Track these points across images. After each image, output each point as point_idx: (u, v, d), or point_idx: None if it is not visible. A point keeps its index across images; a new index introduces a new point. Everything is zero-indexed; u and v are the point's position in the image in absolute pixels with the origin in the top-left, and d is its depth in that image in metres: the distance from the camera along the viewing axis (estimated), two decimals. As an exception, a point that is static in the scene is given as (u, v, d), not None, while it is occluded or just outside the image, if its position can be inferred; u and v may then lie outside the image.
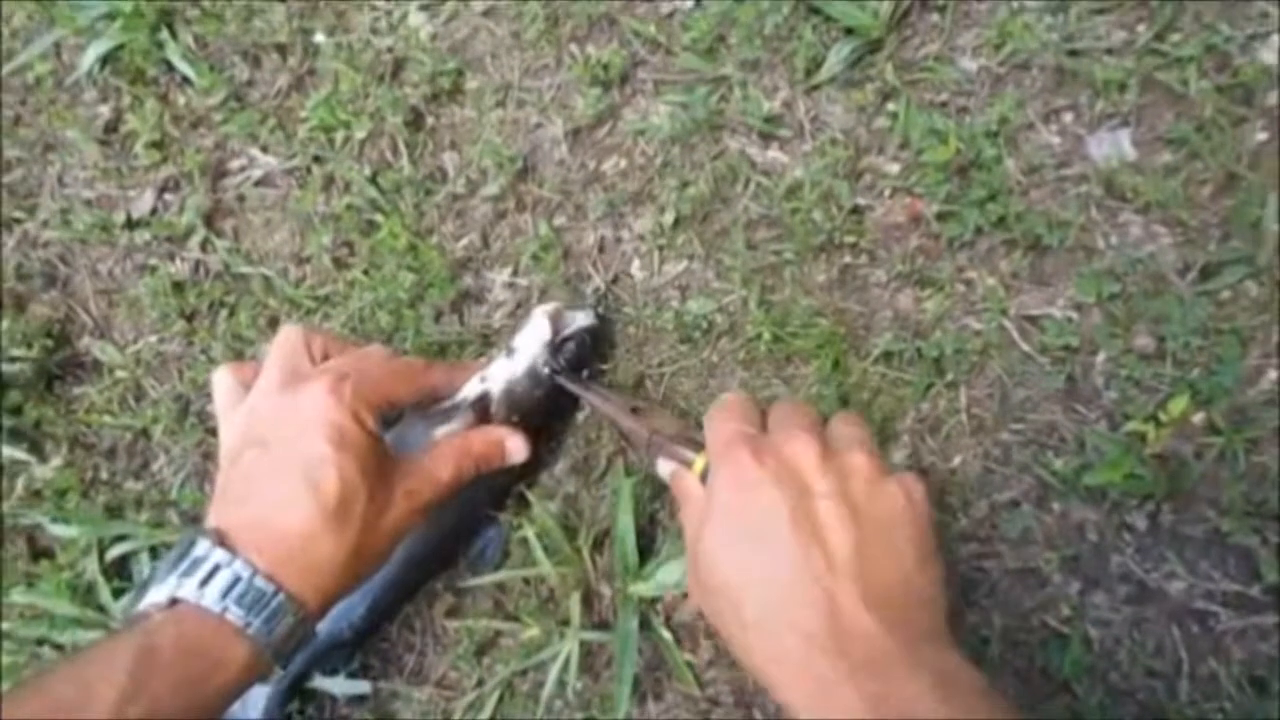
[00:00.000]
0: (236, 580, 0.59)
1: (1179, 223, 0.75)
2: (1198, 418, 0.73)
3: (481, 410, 0.75)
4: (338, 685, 0.82)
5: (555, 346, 0.76)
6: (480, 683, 0.81)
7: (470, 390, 0.75)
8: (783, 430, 0.59)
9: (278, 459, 0.62)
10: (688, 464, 0.65)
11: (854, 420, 0.63)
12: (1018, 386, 0.76)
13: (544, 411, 0.78)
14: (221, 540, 0.60)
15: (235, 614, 0.58)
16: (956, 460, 0.77)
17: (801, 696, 0.50)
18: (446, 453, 0.71)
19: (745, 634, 0.53)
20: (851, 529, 0.54)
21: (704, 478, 0.63)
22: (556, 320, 0.76)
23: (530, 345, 0.76)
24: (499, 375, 0.76)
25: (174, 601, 0.59)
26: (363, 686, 0.82)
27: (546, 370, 0.76)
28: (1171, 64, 0.76)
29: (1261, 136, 0.74)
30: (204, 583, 0.58)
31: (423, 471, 0.69)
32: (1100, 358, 0.75)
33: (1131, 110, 0.77)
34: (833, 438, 0.60)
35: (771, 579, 0.53)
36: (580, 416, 0.82)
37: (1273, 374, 0.73)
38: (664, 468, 0.68)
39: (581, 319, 0.77)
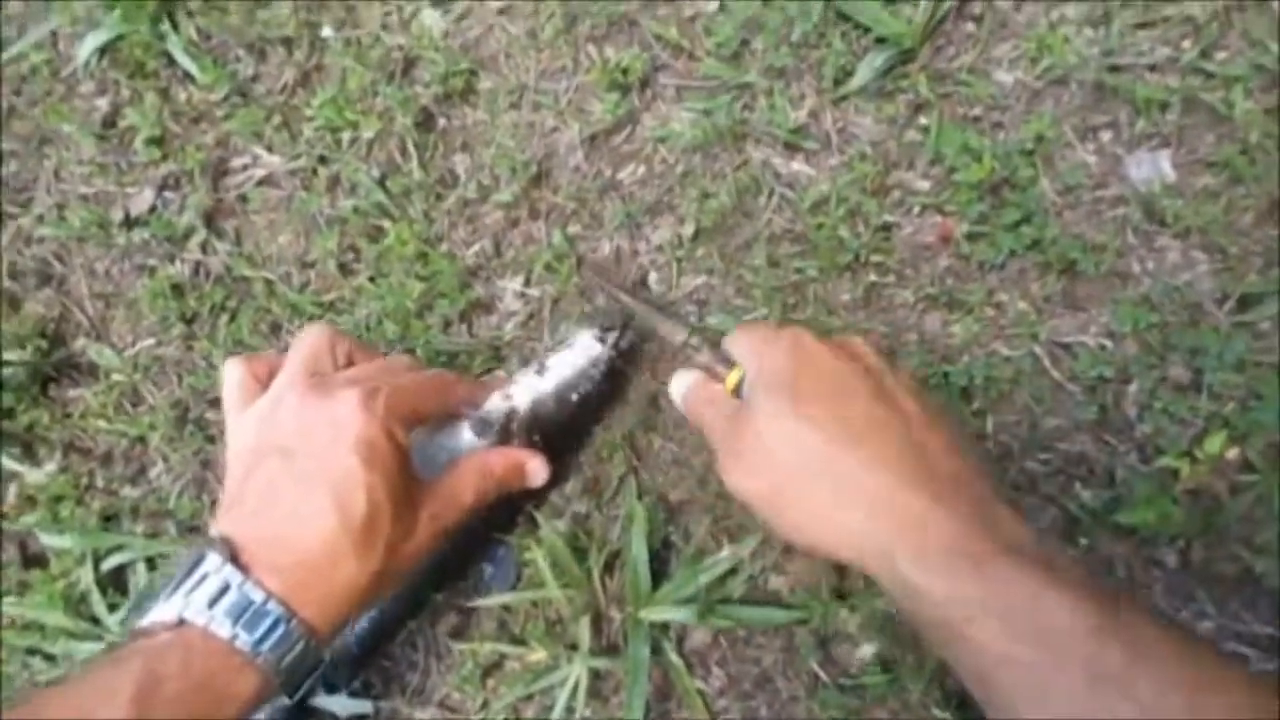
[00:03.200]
0: (248, 604, 0.56)
1: (1219, 250, 0.73)
2: (1233, 454, 0.70)
3: (505, 429, 0.72)
4: (338, 704, 0.80)
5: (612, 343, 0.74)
6: (485, 705, 0.79)
7: (495, 407, 0.72)
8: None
9: (302, 471, 0.59)
10: (719, 377, 0.63)
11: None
12: (1047, 415, 0.74)
13: (565, 433, 0.76)
14: (234, 555, 0.57)
15: (244, 640, 0.55)
16: (982, 490, 0.74)
17: (885, 526, 0.49)
18: (469, 474, 0.68)
19: (815, 488, 0.52)
20: (918, 400, 0.54)
21: (736, 393, 0.61)
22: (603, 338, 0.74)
23: (567, 366, 0.73)
24: (525, 393, 0.73)
25: (181, 621, 0.56)
26: (364, 706, 0.80)
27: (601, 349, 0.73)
28: (1216, 83, 0.73)
29: (1308, 162, 0.71)
30: (213, 603, 0.56)
31: (447, 494, 0.66)
32: (1133, 388, 0.73)
33: (1172, 131, 0.74)
34: None
35: (847, 430, 0.52)
36: (593, 437, 0.80)
37: (1312, 410, 0.70)
38: (682, 379, 0.66)
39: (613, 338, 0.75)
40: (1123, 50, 0.75)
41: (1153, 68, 0.74)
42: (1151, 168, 0.74)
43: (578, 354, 0.73)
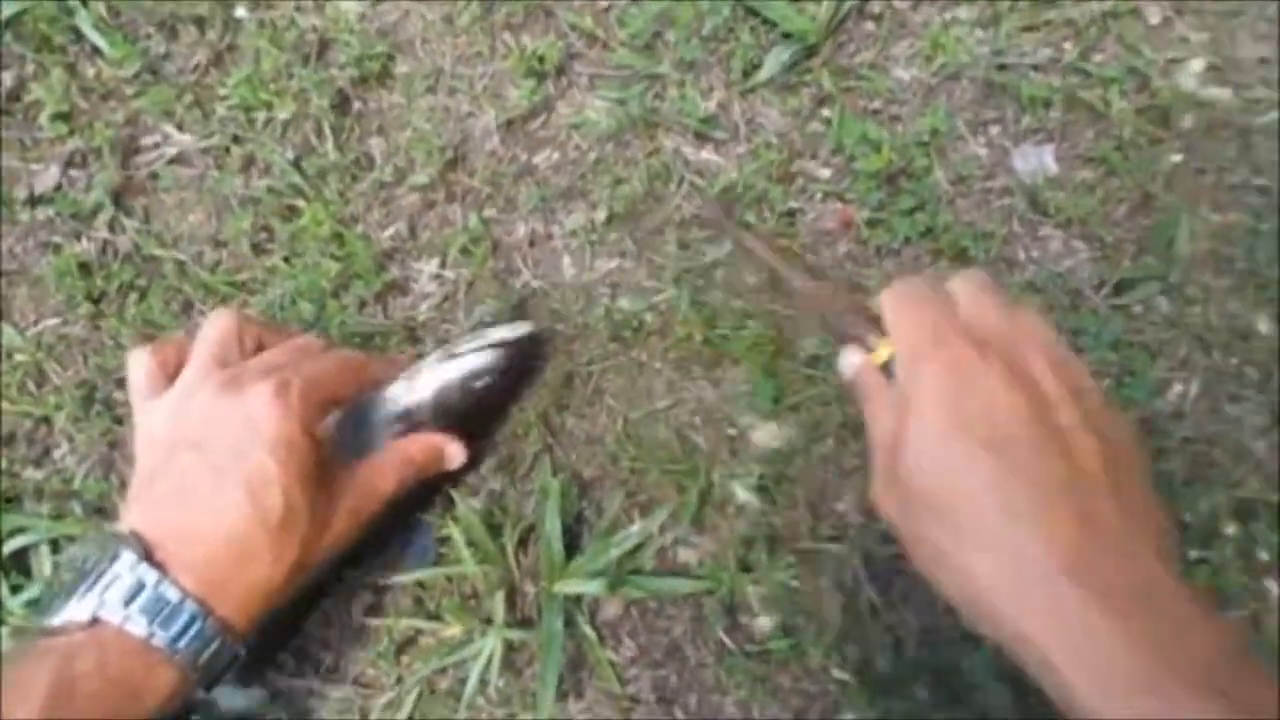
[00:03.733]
0: (164, 602, 0.56)
1: (1097, 239, 0.78)
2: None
3: (413, 415, 0.73)
4: (226, 695, 0.79)
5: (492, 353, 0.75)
6: (399, 680, 0.80)
7: (404, 393, 0.73)
8: (998, 324, 0.49)
9: (215, 467, 0.59)
10: (868, 349, 0.54)
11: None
12: (940, 393, 0.78)
13: (475, 418, 0.77)
14: (148, 553, 0.57)
15: (161, 638, 0.56)
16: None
17: (1044, 625, 0.41)
18: (388, 464, 0.69)
19: (962, 551, 0.44)
20: (1098, 444, 0.44)
21: (885, 369, 0.52)
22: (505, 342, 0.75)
23: (475, 355, 0.74)
24: (432, 381, 0.74)
25: (95, 620, 0.56)
26: (255, 696, 0.80)
27: None
28: (1094, 83, 0.79)
29: (1176, 158, 0.77)
30: (128, 601, 0.56)
31: (366, 485, 0.67)
32: (1019, 367, 0.77)
33: (1056, 127, 0.79)
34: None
35: (1006, 487, 0.43)
36: (508, 417, 0.81)
37: (1179, 387, 0.76)
38: (851, 358, 0.56)
39: (521, 328, 0.76)
40: (1010, 50, 0.80)
41: (1037, 67, 0.79)
42: (1036, 161, 0.79)
43: (484, 344, 0.74)
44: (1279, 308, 0.75)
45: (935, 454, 0.45)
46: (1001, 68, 0.80)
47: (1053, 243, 0.79)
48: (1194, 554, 0.73)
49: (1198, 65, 0.79)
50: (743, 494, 0.77)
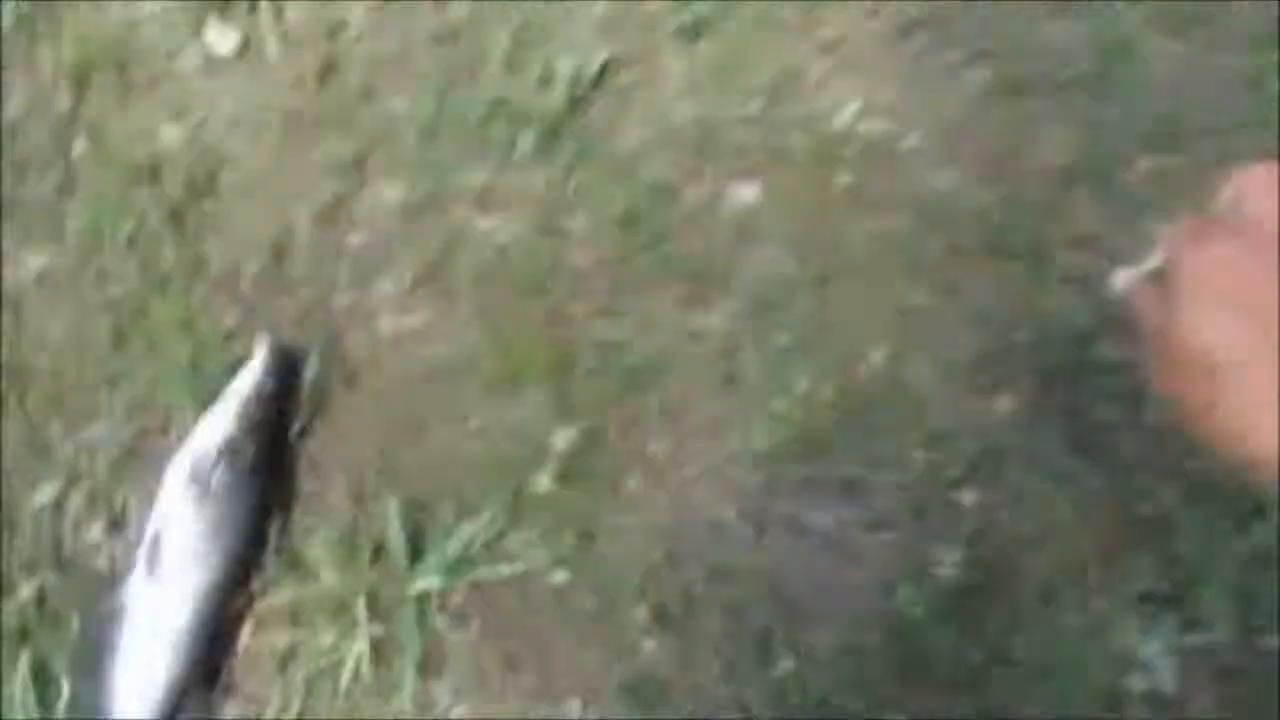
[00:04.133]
0: None
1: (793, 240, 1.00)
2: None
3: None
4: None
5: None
6: (284, 689, 0.95)
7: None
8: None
9: None
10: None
11: None
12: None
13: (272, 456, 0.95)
14: None
15: None
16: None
17: None
18: None
19: (1249, 409, 0.42)
20: None
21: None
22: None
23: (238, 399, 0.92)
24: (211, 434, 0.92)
25: None
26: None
27: None
28: (781, 128, 1.01)
29: (846, 179, 1.00)
30: None
31: None
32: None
33: (760, 163, 1.01)
34: None
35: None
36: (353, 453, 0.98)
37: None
38: (1119, 274, 0.51)
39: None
40: (716, 108, 1.01)
41: (742, 120, 1.01)
42: (750, 194, 1.01)
43: (243, 389, 0.93)
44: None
45: (1204, 325, 0.45)
46: (708, 125, 1.01)
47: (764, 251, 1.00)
48: None
49: (854, 106, 1.02)
50: (549, 484, 0.95)
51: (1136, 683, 0.95)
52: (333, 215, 1.03)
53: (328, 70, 1.03)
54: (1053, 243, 0.99)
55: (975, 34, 1.04)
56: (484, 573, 0.95)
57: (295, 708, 0.94)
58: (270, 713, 0.94)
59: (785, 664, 0.93)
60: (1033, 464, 0.97)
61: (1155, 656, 0.95)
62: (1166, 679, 0.95)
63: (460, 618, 0.96)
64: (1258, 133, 0.95)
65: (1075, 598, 0.96)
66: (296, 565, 0.96)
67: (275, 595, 0.95)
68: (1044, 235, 0.99)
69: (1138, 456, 0.96)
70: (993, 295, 0.99)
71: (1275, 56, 1.01)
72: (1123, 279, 0.54)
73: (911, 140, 1.03)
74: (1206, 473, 0.90)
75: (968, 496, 0.98)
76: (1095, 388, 0.97)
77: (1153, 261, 0.51)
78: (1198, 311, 0.43)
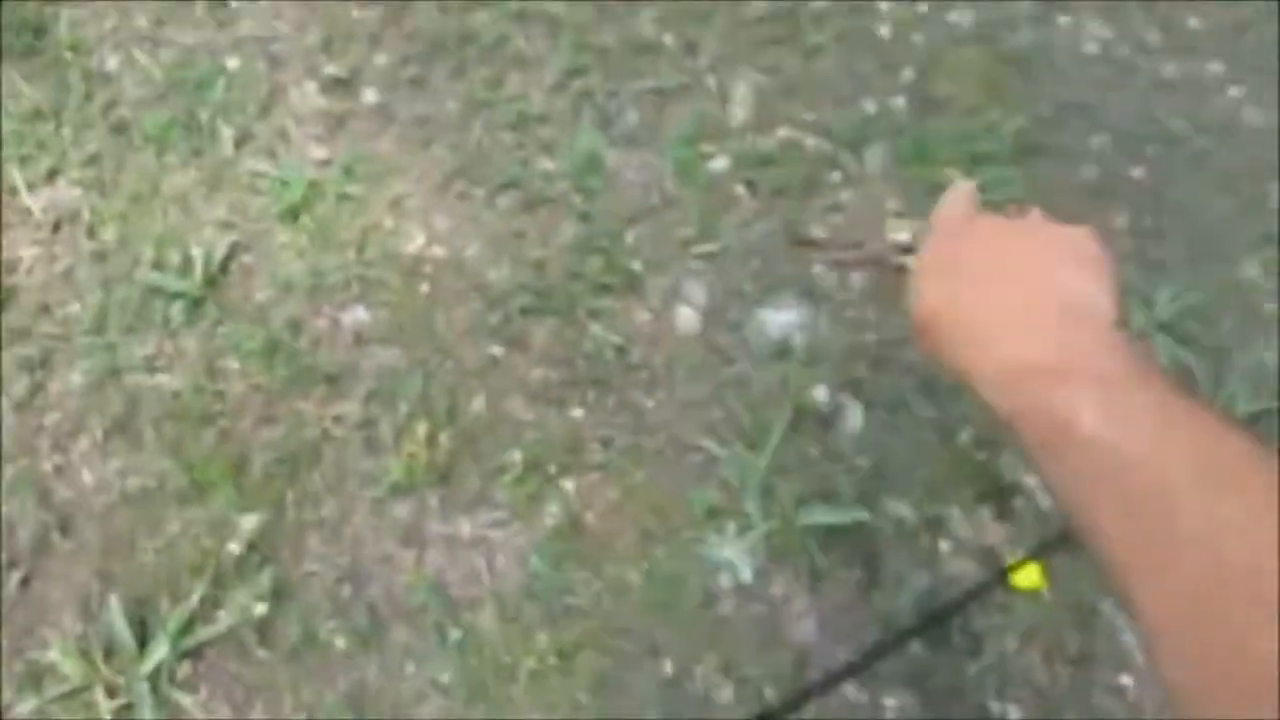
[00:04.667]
0: None
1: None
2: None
3: None
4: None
5: None
6: (47, 789, 1.12)
7: None
8: (963, 215, 0.61)
9: None
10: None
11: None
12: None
13: None
14: None
15: None
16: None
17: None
18: None
19: (982, 344, 0.51)
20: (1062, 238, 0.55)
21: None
22: None
23: None
24: None
25: None
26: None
27: None
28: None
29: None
30: None
31: None
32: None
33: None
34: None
35: (990, 299, 0.53)
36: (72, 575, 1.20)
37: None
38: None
39: None
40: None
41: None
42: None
43: None
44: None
45: (929, 294, 0.56)
46: (319, 273, 1.36)
47: (377, 350, 1.34)
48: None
49: (421, 239, 1.41)
50: (237, 548, 1.21)
51: (724, 581, 1.30)
52: (29, 403, 1.28)
53: (9, 296, 1.31)
54: (580, 295, 1.40)
55: (496, 172, 1.47)
56: (203, 634, 1.17)
57: (57, 801, 1.11)
58: (34, 809, 1.10)
59: (455, 635, 1.20)
60: (608, 447, 1.33)
61: (733, 558, 1.30)
62: (745, 572, 1.30)
63: (189, 685, 1.18)
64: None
65: (666, 533, 1.31)
66: (37, 677, 1.15)
67: (21, 705, 1.14)
68: (572, 291, 1.40)
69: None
70: (549, 338, 1.38)
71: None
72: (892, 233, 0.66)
73: (471, 250, 1.42)
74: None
75: (568, 483, 1.32)
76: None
77: (902, 235, 0.65)
78: (926, 286, 0.56)
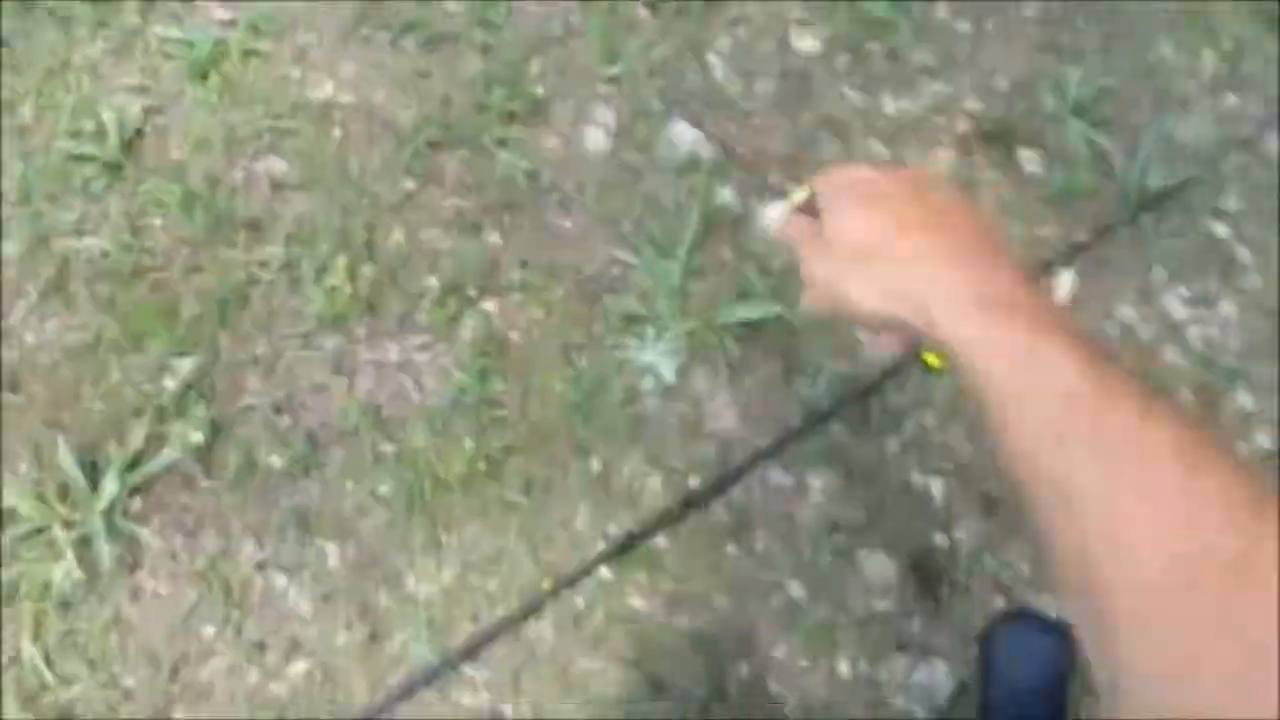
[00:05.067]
0: None
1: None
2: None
3: None
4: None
5: None
6: (15, 620, 1.20)
7: None
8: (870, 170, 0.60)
9: None
10: (787, 194, 0.66)
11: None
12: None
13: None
14: None
15: None
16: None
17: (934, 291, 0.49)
18: None
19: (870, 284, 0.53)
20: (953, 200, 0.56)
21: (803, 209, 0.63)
22: None
23: None
24: None
25: None
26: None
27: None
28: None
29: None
30: None
31: None
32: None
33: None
34: None
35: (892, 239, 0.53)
36: None
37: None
38: (773, 209, 0.67)
39: None
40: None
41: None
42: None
43: None
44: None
45: (849, 222, 0.56)
46: (231, 127, 1.40)
47: (295, 196, 1.38)
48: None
49: (330, 85, 1.43)
50: (175, 386, 1.27)
51: (648, 384, 1.35)
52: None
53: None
54: (487, 125, 1.42)
55: (397, 15, 1.49)
56: (149, 469, 1.24)
57: (29, 630, 1.19)
58: (6, 637, 1.18)
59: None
60: (525, 267, 1.38)
61: (655, 360, 1.35)
62: (667, 373, 1.35)
63: (142, 518, 1.25)
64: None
65: (588, 343, 1.36)
66: (-1, 519, 1.22)
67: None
68: (479, 122, 1.42)
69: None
70: (460, 168, 1.41)
71: None
72: (772, 212, 0.68)
73: (379, 94, 1.45)
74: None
75: (488, 304, 1.36)
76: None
77: (799, 194, 0.65)
78: (844, 213, 0.56)
